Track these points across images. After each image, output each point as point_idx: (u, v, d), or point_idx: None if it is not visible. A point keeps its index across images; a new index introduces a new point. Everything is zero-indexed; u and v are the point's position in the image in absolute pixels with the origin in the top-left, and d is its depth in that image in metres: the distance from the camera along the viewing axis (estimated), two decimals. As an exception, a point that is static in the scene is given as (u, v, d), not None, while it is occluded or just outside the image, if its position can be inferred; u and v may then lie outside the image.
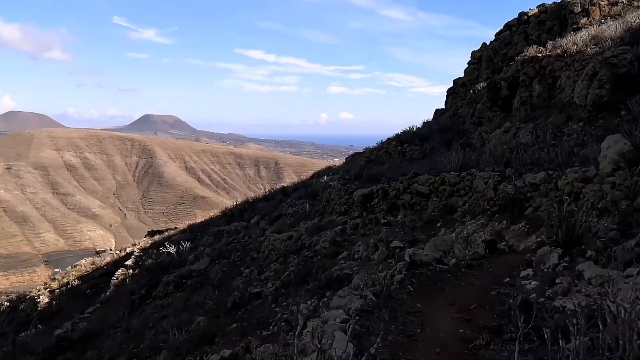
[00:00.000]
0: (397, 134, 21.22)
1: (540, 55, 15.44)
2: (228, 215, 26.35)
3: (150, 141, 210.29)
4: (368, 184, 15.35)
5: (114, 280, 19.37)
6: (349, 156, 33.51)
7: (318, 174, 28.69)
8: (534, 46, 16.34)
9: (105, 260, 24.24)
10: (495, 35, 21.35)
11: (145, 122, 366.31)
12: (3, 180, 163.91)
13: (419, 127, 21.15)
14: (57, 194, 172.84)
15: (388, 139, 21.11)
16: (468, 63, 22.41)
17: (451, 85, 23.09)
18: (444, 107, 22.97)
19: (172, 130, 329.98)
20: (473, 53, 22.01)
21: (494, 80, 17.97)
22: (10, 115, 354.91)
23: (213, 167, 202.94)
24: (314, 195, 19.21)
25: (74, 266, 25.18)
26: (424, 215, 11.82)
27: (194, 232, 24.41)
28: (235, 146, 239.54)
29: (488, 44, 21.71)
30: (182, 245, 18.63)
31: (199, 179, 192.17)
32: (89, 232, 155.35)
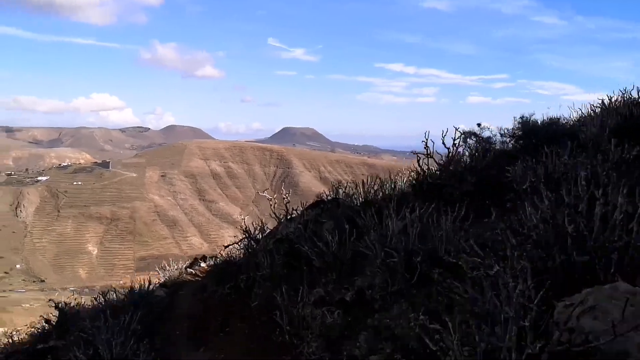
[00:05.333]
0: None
1: None
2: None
3: (287, 152, 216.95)
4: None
5: None
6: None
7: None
8: None
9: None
10: None
11: (285, 135, 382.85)
12: (158, 187, 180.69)
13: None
14: (203, 200, 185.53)
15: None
16: None
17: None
18: None
19: (310, 142, 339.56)
20: None
21: None
22: (170, 129, 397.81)
23: (346, 177, 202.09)
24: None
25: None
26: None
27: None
28: (368, 157, 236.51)
29: None
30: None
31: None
32: (229, 238, 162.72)
